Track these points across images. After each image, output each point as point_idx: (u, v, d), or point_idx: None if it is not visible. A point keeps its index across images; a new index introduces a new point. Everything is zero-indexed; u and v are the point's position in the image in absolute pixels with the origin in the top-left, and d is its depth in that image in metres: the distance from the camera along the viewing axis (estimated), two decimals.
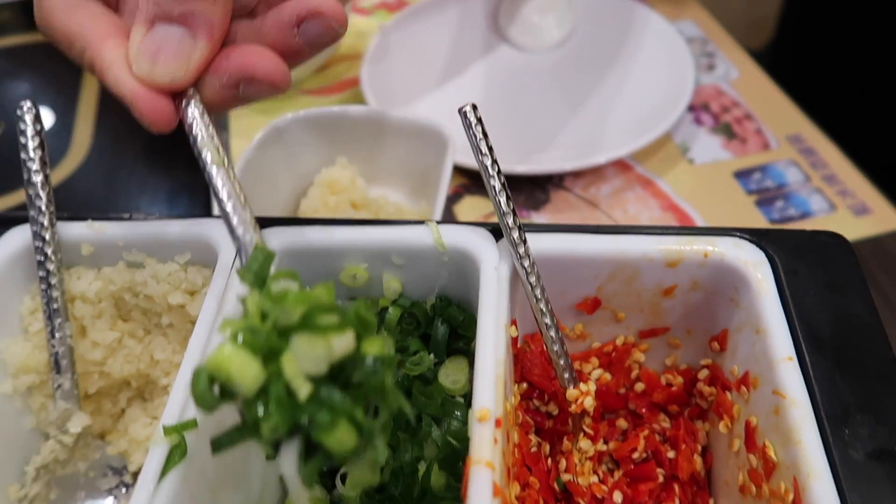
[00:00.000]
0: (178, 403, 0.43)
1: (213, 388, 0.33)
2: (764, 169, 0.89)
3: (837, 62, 1.09)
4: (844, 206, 0.84)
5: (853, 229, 0.81)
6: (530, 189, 0.87)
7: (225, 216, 0.44)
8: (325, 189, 0.78)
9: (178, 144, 0.99)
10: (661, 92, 0.94)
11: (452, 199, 0.87)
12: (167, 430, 0.41)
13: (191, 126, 0.44)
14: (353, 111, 0.79)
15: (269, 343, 0.33)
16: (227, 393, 0.33)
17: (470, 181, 0.89)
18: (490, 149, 0.47)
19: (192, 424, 0.42)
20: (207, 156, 0.44)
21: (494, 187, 0.47)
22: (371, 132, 0.80)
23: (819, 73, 1.11)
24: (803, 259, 0.49)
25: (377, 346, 0.33)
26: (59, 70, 1.15)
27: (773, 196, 0.86)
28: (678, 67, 0.96)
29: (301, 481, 0.33)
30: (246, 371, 0.32)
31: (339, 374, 0.33)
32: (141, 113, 0.43)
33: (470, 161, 0.84)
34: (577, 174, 0.89)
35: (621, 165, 0.90)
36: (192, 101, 0.44)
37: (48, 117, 1.05)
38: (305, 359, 0.32)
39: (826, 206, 0.84)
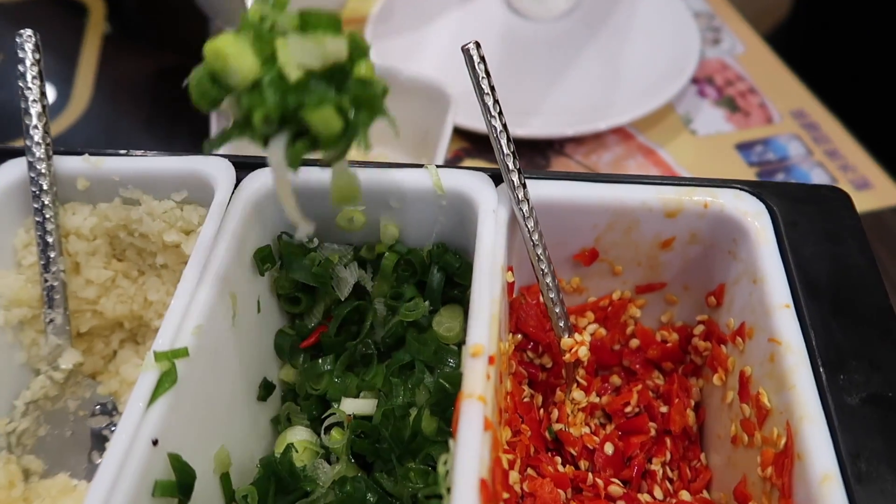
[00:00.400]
0: (169, 332, 0.42)
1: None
2: (766, 142, 0.88)
3: (846, 43, 1.09)
4: (846, 180, 0.84)
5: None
6: (531, 154, 0.87)
7: None
8: None
9: (180, 100, 0.98)
10: (665, 62, 0.93)
11: (453, 161, 0.87)
12: (158, 356, 0.41)
13: None
14: None
15: (265, 38, 0.34)
16: (224, 86, 0.34)
17: (471, 144, 0.88)
18: (492, 88, 0.46)
19: (183, 353, 0.42)
20: None
21: (495, 127, 0.46)
22: None
23: (827, 53, 1.10)
24: (803, 211, 0.48)
25: (369, 69, 0.35)
26: (60, 26, 1.14)
27: (775, 168, 0.85)
28: (683, 39, 0.95)
29: (286, 164, 0.35)
30: (242, 57, 0.33)
31: (331, 78, 0.34)
32: None
33: (471, 123, 0.84)
34: (579, 141, 0.88)
35: (623, 134, 0.89)
36: None
37: (50, 70, 1.04)
38: (298, 49, 0.33)
39: (827, 179, 0.84)
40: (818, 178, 0.84)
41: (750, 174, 0.85)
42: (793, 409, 0.40)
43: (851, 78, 1.05)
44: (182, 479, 0.40)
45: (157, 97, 1.02)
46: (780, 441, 0.40)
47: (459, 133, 0.88)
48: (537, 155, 0.87)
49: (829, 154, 0.86)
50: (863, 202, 0.81)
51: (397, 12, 1.02)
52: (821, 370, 0.40)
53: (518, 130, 0.85)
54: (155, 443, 0.39)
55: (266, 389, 0.53)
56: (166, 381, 0.40)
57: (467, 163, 0.87)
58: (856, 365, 0.41)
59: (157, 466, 0.39)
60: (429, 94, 0.77)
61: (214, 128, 0.92)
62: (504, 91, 0.92)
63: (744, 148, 0.88)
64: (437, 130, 0.74)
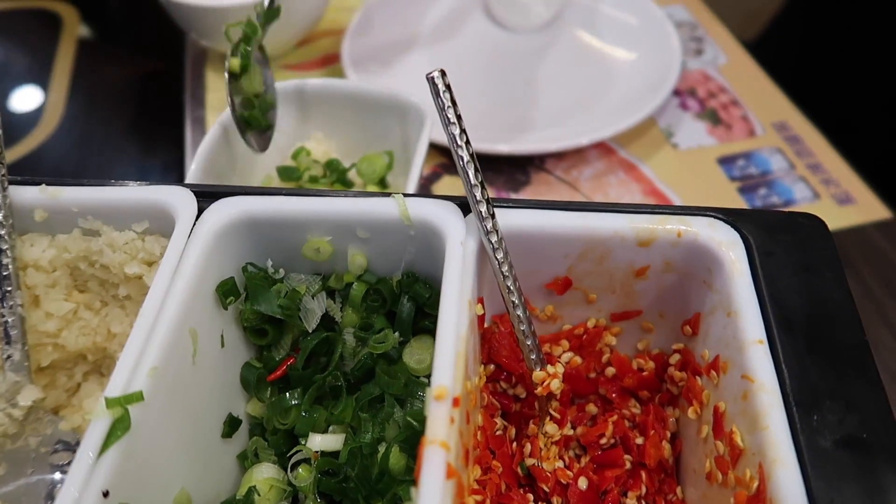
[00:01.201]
0: (123, 374, 0.41)
1: None
2: (748, 156, 0.87)
3: (829, 55, 1.08)
4: (828, 194, 0.83)
5: (836, 218, 0.80)
6: (510, 170, 0.86)
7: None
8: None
9: (154, 113, 0.97)
10: (646, 75, 0.92)
11: (431, 178, 0.86)
12: (109, 403, 0.39)
13: None
14: (329, 84, 0.77)
15: None
16: None
17: (450, 160, 0.87)
18: (458, 117, 0.45)
19: (138, 397, 0.40)
20: None
21: (462, 157, 0.45)
22: (348, 106, 0.78)
23: (809, 65, 1.09)
24: (779, 240, 0.47)
25: None
26: (33, 38, 1.12)
27: (757, 183, 0.84)
28: (665, 51, 0.94)
29: None
30: None
31: None
32: None
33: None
34: (559, 156, 0.87)
35: (604, 149, 0.88)
36: None
37: (22, 84, 1.02)
38: None
39: (809, 194, 0.83)
40: (800, 192, 0.83)
41: (731, 189, 0.84)
42: (765, 451, 0.39)
43: (834, 89, 1.04)
44: None
45: (132, 109, 1.00)
46: (753, 484, 0.39)
47: (438, 149, 0.87)
48: (517, 171, 0.86)
49: (812, 168, 0.85)
50: (845, 217, 0.81)
51: (376, 25, 1.01)
52: (794, 410, 0.39)
53: (498, 147, 0.84)
54: (106, 494, 0.37)
55: (231, 426, 0.51)
56: (118, 428, 0.39)
57: (446, 179, 0.85)
58: (830, 405, 0.39)
59: None
60: (404, 111, 0.75)
61: (189, 139, 0.91)
62: (484, 105, 0.91)
63: (725, 162, 0.87)
64: (413, 148, 0.73)
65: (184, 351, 0.45)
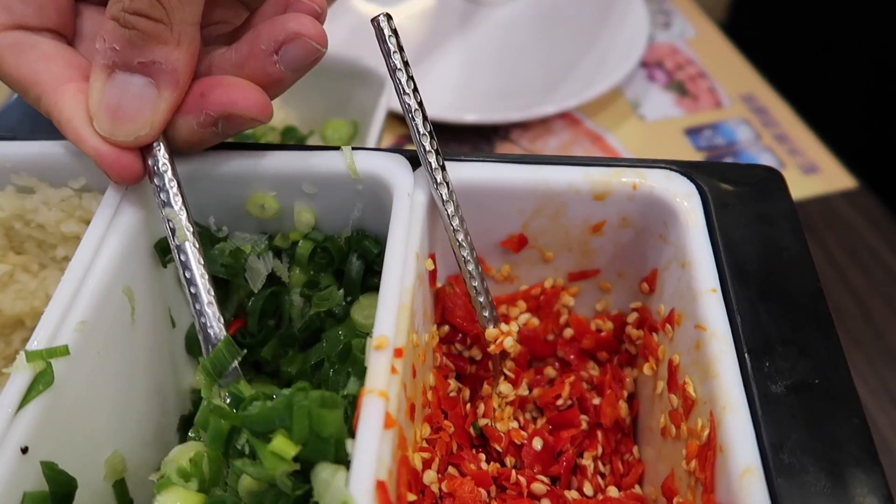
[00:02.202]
0: (47, 329, 0.39)
1: None
2: (715, 126, 0.86)
3: (794, 25, 1.08)
4: (794, 164, 0.82)
5: (801, 188, 0.79)
6: (475, 140, 0.84)
7: (197, 313, 0.42)
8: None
9: None
10: (613, 46, 0.91)
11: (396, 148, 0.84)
12: (30, 356, 0.37)
13: (157, 187, 0.42)
14: None
15: None
16: None
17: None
18: (406, 64, 0.43)
19: (62, 351, 0.38)
20: (178, 228, 0.42)
21: (409, 105, 0.44)
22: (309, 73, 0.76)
23: (777, 38, 1.09)
24: (735, 192, 0.46)
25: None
26: None
27: (723, 153, 0.83)
28: (632, 22, 0.93)
29: None
30: None
31: None
32: (106, 172, 0.41)
33: None
34: (525, 126, 0.85)
35: (570, 119, 0.87)
36: (159, 152, 0.42)
37: None
38: None
39: (775, 163, 0.82)
40: (766, 162, 0.82)
41: (698, 158, 0.83)
42: (716, 398, 0.37)
43: (801, 62, 1.04)
44: (58, 489, 0.37)
45: None
46: (704, 433, 0.38)
47: (401, 119, 0.85)
48: (482, 141, 0.85)
49: (778, 138, 0.85)
50: (811, 187, 0.80)
51: None
52: (746, 357, 0.38)
53: (465, 116, 0.82)
54: (24, 450, 0.35)
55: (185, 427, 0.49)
56: (40, 382, 0.37)
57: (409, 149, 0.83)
58: (782, 351, 0.38)
59: (27, 477, 0.36)
60: (364, 77, 0.74)
61: None
62: (450, 76, 0.90)
63: (692, 133, 0.86)
64: (372, 115, 0.71)
65: (118, 308, 0.43)
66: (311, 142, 0.75)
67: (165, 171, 0.42)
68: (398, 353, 0.38)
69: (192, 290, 0.42)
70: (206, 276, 0.42)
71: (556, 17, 0.99)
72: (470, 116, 0.82)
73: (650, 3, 1.04)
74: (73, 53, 0.43)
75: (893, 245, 0.76)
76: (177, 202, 0.42)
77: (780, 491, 0.33)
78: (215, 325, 0.42)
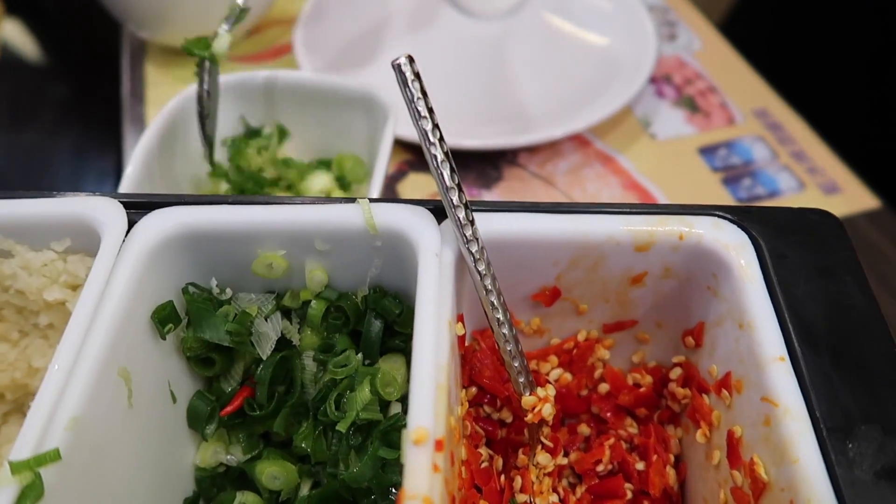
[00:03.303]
0: (34, 431, 0.34)
1: None
2: (730, 145, 0.83)
3: (800, 35, 1.04)
4: (814, 184, 0.79)
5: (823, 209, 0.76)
6: (481, 166, 0.80)
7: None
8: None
9: (89, 113, 0.88)
10: (621, 62, 0.87)
11: (396, 177, 0.79)
12: (15, 467, 0.32)
13: None
14: (281, 76, 0.70)
15: None
16: None
17: (415, 157, 0.80)
18: (430, 110, 0.39)
19: (53, 457, 0.33)
20: None
21: (436, 157, 0.39)
22: (302, 101, 0.71)
23: (783, 45, 1.06)
24: (791, 241, 0.42)
25: None
26: None
27: (740, 174, 0.80)
28: (639, 36, 0.89)
29: None
30: None
31: None
32: None
33: (414, 133, 0.76)
34: (532, 150, 0.81)
35: (579, 141, 0.83)
36: None
37: None
38: None
39: (795, 184, 0.79)
40: (786, 182, 0.79)
41: (714, 181, 0.79)
42: (798, 487, 0.33)
43: (810, 71, 1.01)
44: None
45: (64, 110, 0.92)
46: None
47: (402, 145, 0.81)
48: (488, 166, 0.80)
49: (796, 156, 0.81)
50: (833, 208, 0.76)
51: (331, 12, 0.94)
52: (825, 438, 0.34)
53: (467, 141, 0.78)
54: None
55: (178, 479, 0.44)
56: (28, 497, 0.32)
57: (412, 177, 0.79)
58: (865, 430, 0.35)
59: None
60: (365, 105, 0.69)
61: (127, 140, 0.83)
62: (450, 98, 0.85)
63: (707, 152, 0.82)
64: (377, 145, 0.67)
65: (114, 394, 0.38)
66: (311, 176, 0.70)
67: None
68: (439, 445, 0.34)
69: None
70: None
71: (558, 31, 0.94)
72: (471, 142, 0.78)
73: (654, 13, 1.00)
74: None
75: None
76: None
77: None
78: None
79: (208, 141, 0.65)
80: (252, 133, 0.71)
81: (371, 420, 0.42)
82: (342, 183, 0.70)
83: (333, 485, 0.42)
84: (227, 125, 0.71)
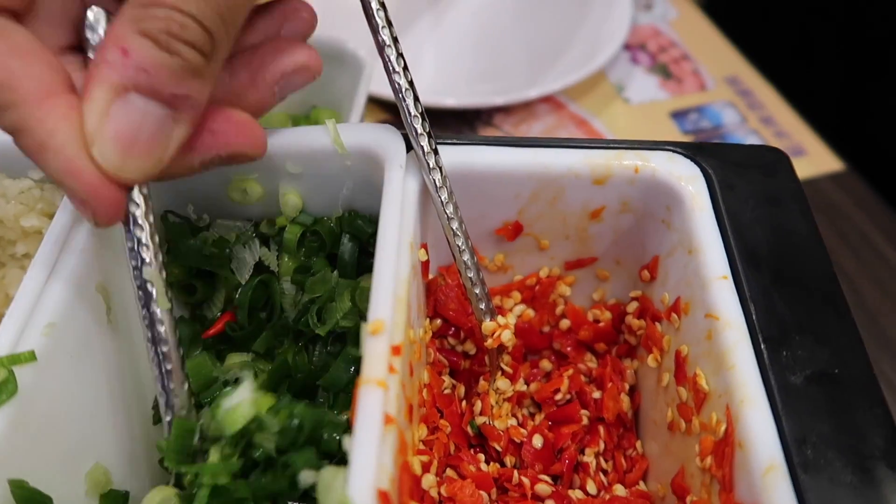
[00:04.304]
0: (9, 333, 0.35)
1: None
2: (700, 109, 0.85)
3: (776, 6, 1.07)
4: (780, 146, 0.81)
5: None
6: (457, 125, 0.81)
7: (161, 377, 0.36)
8: None
9: None
10: (596, 29, 0.89)
11: None
12: None
13: (136, 241, 0.35)
14: None
15: None
16: None
17: (393, 116, 0.82)
18: (395, 40, 0.40)
19: (28, 357, 0.35)
20: (160, 294, 0.35)
21: (400, 85, 0.41)
22: None
23: (759, 19, 1.08)
24: (741, 174, 0.44)
25: None
26: None
27: (710, 136, 0.82)
28: (614, 4, 0.91)
29: None
30: None
31: None
32: (93, 212, 0.32)
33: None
34: (508, 111, 0.83)
35: (554, 104, 0.85)
36: (142, 193, 0.34)
37: None
38: None
39: None
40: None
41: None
42: (733, 391, 0.36)
43: (784, 43, 1.03)
44: None
45: None
46: (720, 428, 0.36)
47: (381, 104, 0.82)
48: (464, 126, 0.82)
49: (764, 121, 0.84)
50: (798, 170, 0.78)
51: None
52: (762, 347, 0.36)
53: (445, 100, 0.79)
54: None
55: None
56: (3, 392, 0.33)
57: None
58: (800, 340, 0.37)
59: None
60: (341, 60, 0.70)
61: None
62: (429, 58, 0.87)
63: (678, 116, 0.84)
64: (351, 101, 0.68)
65: (92, 308, 0.40)
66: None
67: (147, 219, 0.35)
68: (396, 350, 0.35)
69: (167, 367, 0.36)
70: (180, 353, 0.37)
71: None
72: (450, 100, 0.79)
73: None
74: (47, 51, 0.33)
75: (883, 228, 0.75)
76: (157, 259, 0.35)
77: (806, 487, 0.32)
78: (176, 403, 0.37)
79: None
80: None
81: (350, 328, 0.44)
82: None
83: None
84: None
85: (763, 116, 0.84)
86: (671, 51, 0.92)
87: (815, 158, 0.80)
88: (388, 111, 0.82)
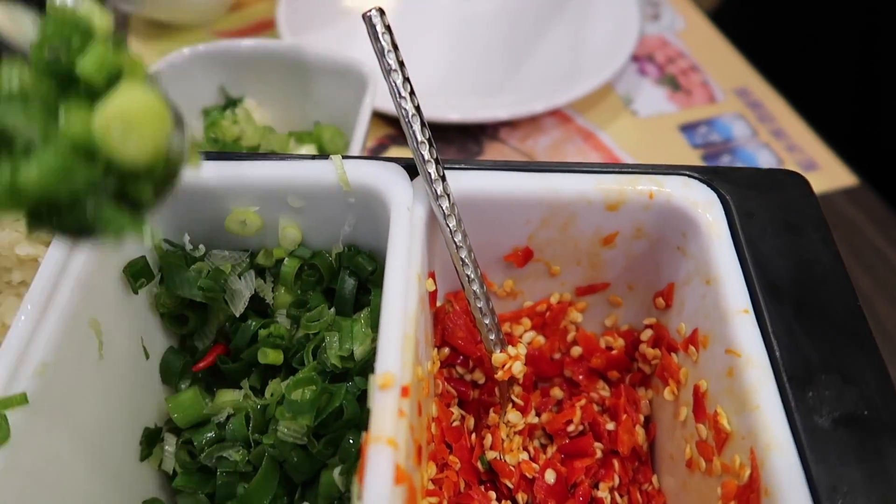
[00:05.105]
0: (1, 372, 0.34)
1: None
2: (710, 122, 0.83)
3: (787, 18, 1.05)
4: (792, 161, 0.79)
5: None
6: (462, 140, 0.80)
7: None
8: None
9: None
10: (603, 40, 0.87)
11: (376, 151, 0.79)
12: None
13: None
14: (261, 45, 0.70)
15: None
16: None
17: (397, 130, 0.81)
18: (401, 64, 0.39)
19: (19, 400, 0.34)
20: None
21: (406, 111, 0.39)
22: (284, 71, 0.71)
23: (768, 29, 1.06)
24: (759, 199, 0.43)
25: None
26: None
27: (720, 150, 0.80)
28: (622, 15, 0.89)
29: None
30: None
31: None
32: None
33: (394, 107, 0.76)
34: (514, 125, 0.81)
35: (561, 117, 0.83)
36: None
37: None
38: None
39: (773, 161, 0.79)
40: (765, 159, 0.80)
41: (695, 156, 0.80)
42: (757, 434, 0.34)
43: (794, 53, 1.01)
44: None
45: None
46: (744, 472, 0.34)
47: (384, 118, 0.81)
48: (469, 140, 0.80)
49: (775, 134, 0.82)
50: (811, 184, 0.77)
51: None
52: (786, 386, 0.35)
53: (450, 115, 0.78)
54: None
55: (149, 443, 0.44)
56: None
57: (393, 151, 0.79)
58: (826, 379, 0.35)
59: None
60: (345, 75, 0.69)
61: None
62: (433, 72, 0.85)
63: (687, 129, 0.83)
64: (356, 117, 0.66)
65: (84, 345, 0.39)
66: (292, 145, 0.70)
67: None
68: (405, 391, 0.34)
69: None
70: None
71: (542, 9, 0.94)
72: (455, 115, 0.78)
73: None
74: None
75: None
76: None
77: None
78: None
79: None
80: (231, 103, 0.71)
81: (346, 368, 0.42)
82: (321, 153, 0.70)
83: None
84: (207, 95, 0.71)
85: (774, 129, 0.82)
86: (679, 62, 0.91)
87: (827, 173, 0.79)
88: (390, 126, 0.81)
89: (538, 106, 0.78)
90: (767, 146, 0.81)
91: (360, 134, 0.62)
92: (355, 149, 0.62)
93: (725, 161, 0.79)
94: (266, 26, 0.94)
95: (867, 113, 0.92)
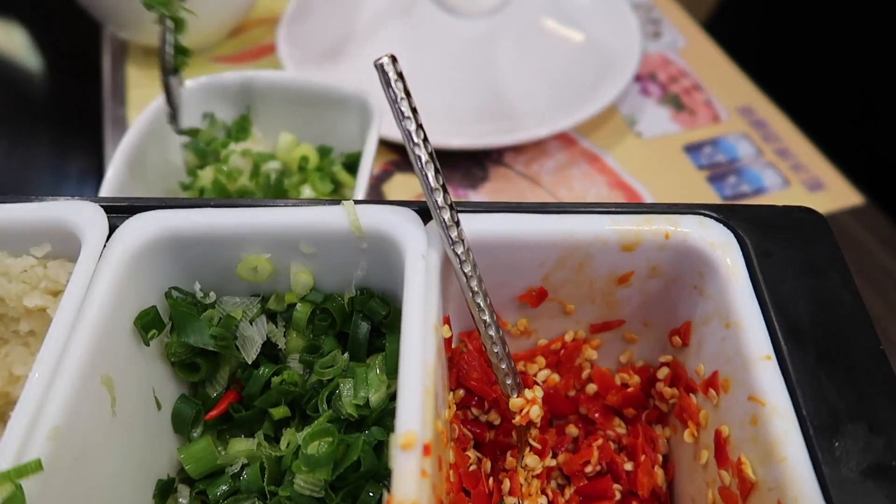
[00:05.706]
0: (15, 439, 0.33)
1: None
2: (715, 142, 0.83)
3: (785, 33, 1.05)
4: (798, 181, 0.79)
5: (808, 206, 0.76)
6: (466, 165, 0.79)
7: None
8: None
9: (69, 115, 0.87)
10: (605, 60, 0.87)
11: (381, 177, 0.79)
12: None
13: None
14: (264, 77, 0.70)
15: None
16: None
17: (401, 157, 0.80)
18: (414, 111, 0.38)
19: (34, 467, 0.33)
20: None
21: (420, 157, 0.39)
22: (287, 101, 0.71)
23: (768, 43, 1.06)
24: (776, 239, 0.42)
25: None
26: None
27: (725, 171, 0.80)
28: (623, 34, 0.89)
29: None
30: None
31: None
32: None
33: (399, 133, 0.76)
34: (518, 149, 0.81)
35: (565, 140, 0.83)
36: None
37: None
38: None
39: (779, 181, 0.79)
40: (770, 179, 0.79)
41: (700, 178, 0.79)
42: (785, 487, 0.33)
43: (796, 70, 1.01)
44: None
45: (44, 112, 0.90)
46: None
47: (388, 145, 0.80)
48: (474, 165, 0.80)
49: (780, 153, 0.82)
50: (817, 204, 0.77)
51: (315, 11, 0.93)
52: (812, 437, 0.34)
53: (453, 141, 0.77)
54: None
55: (163, 494, 0.43)
56: None
57: (398, 178, 0.79)
58: (852, 428, 0.35)
59: None
60: (349, 105, 0.68)
61: (109, 141, 0.82)
62: (436, 97, 0.85)
63: (692, 150, 0.83)
64: (362, 146, 0.66)
65: (96, 402, 0.38)
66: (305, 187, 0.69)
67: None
68: (426, 450, 0.33)
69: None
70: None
71: (542, 29, 0.94)
72: (457, 140, 0.78)
73: (638, 11, 1.01)
74: None
75: None
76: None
77: None
78: None
79: (173, 106, 0.64)
80: (232, 134, 0.70)
81: (362, 416, 0.42)
82: None
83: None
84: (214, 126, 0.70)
85: (779, 149, 0.82)
86: (682, 81, 0.91)
87: (833, 192, 0.79)
88: (395, 152, 0.81)
89: (542, 131, 0.78)
90: (773, 166, 0.81)
91: (367, 164, 0.62)
92: (363, 177, 0.62)
93: (731, 182, 0.79)
94: (266, 51, 0.93)
95: (873, 130, 0.92)
